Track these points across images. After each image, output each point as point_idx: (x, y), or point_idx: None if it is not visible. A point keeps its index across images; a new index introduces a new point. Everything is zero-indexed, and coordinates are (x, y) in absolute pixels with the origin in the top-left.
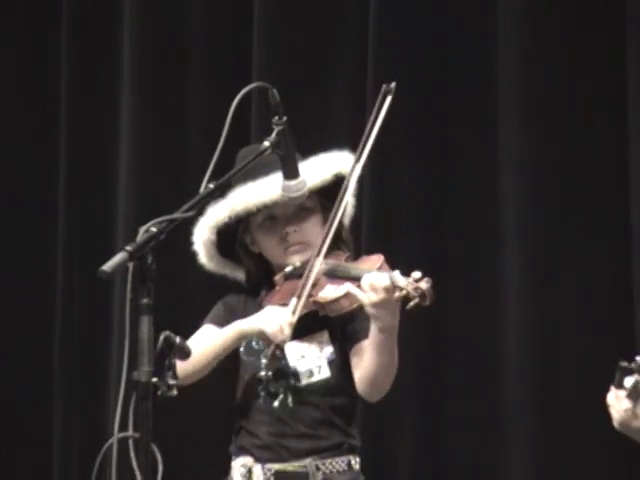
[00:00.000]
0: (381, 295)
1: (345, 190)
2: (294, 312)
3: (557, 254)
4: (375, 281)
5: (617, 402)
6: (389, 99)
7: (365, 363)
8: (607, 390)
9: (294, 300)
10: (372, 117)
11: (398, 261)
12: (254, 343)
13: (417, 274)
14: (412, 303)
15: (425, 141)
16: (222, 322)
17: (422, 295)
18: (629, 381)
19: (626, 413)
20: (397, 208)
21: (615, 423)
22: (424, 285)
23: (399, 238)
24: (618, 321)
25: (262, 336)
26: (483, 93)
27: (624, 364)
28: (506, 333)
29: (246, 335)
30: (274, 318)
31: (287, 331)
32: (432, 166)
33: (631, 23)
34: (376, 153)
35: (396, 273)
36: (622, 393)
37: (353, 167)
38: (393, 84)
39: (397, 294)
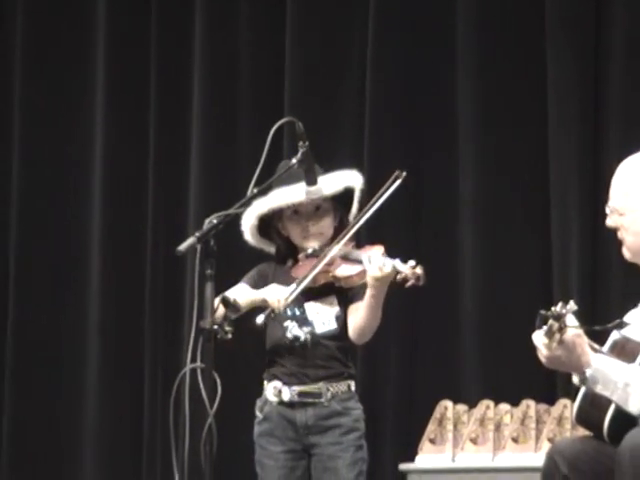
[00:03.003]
0: (383, 272)
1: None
2: (292, 292)
3: (500, 231)
4: (381, 262)
5: (538, 339)
6: (398, 182)
7: (357, 318)
8: (534, 329)
9: (294, 285)
10: (380, 193)
11: (390, 242)
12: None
13: (412, 262)
14: (409, 283)
15: (404, 148)
16: (252, 283)
17: (417, 278)
18: (544, 325)
19: (544, 346)
20: (385, 211)
21: (538, 354)
22: (419, 271)
23: (384, 226)
24: (542, 281)
25: (265, 303)
26: (447, 109)
27: (543, 312)
28: (463, 290)
29: (260, 299)
30: (275, 293)
31: (282, 303)
32: (408, 169)
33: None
34: (370, 161)
35: (398, 261)
36: (541, 332)
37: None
38: (404, 173)
39: (398, 276)
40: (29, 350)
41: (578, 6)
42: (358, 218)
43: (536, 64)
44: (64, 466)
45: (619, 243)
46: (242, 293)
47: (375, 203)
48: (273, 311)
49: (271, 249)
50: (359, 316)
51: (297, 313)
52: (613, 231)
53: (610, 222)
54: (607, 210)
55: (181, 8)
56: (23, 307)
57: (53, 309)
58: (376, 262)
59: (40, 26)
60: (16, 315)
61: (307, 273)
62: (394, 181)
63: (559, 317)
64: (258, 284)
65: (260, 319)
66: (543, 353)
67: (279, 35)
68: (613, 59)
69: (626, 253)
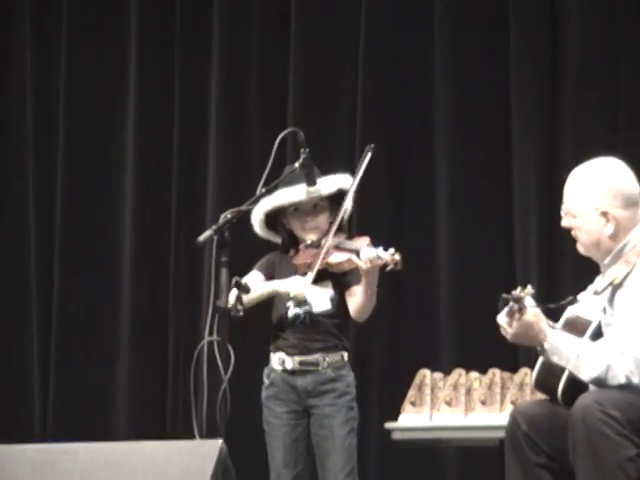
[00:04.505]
0: (371, 262)
1: (344, 202)
2: (309, 281)
3: (470, 226)
4: (367, 254)
5: (501, 319)
6: (369, 155)
7: (356, 302)
8: (498, 311)
9: (310, 274)
10: (358, 167)
11: (374, 235)
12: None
13: (392, 250)
14: (389, 268)
15: (390, 154)
16: (263, 271)
17: (396, 263)
18: (506, 306)
19: (505, 324)
20: (372, 203)
21: (502, 331)
22: (397, 257)
23: (374, 221)
24: (505, 268)
25: (287, 295)
26: (426, 123)
27: (504, 295)
28: (439, 276)
29: (278, 292)
30: (297, 283)
31: (304, 292)
32: (393, 175)
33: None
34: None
35: (380, 249)
36: (504, 313)
37: (349, 190)
38: (372, 145)
39: (380, 262)
40: (71, 323)
41: (538, 32)
42: (334, 225)
43: (502, 87)
44: (101, 421)
45: (573, 240)
46: (258, 283)
47: (357, 176)
48: (300, 301)
49: (277, 240)
50: (357, 300)
51: None
52: (567, 230)
53: (565, 223)
54: (562, 212)
55: (201, 35)
56: (66, 288)
57: (90, 288)
58: (364, 255)
59: (80, 56)
60: (60, 293)
61: (313, 261)
62: (366, 154)
63: (519, 300)
64: (267, 270)
65: (293, 312)
66: (506, 330)
67: (284, 59)
68: (567, 82)
69: (580, 248)
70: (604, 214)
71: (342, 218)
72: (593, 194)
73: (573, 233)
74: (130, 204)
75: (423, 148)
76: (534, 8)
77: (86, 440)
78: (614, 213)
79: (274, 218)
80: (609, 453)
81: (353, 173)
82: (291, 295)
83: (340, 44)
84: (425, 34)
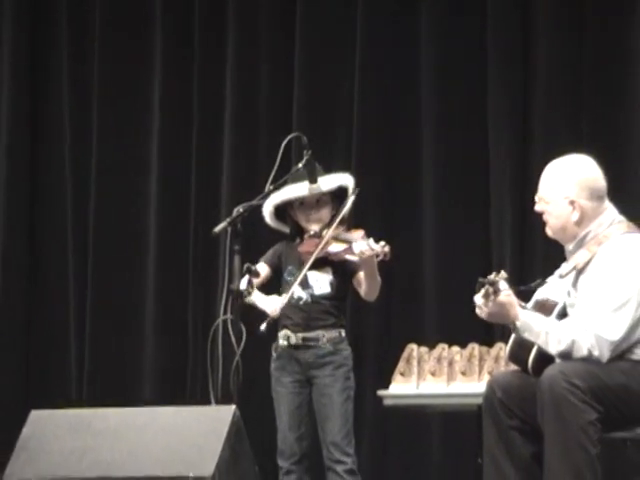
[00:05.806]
0: (363, 253)
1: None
2: (283, 301)
3: (452, 216)
4: (360, 246)
5: (478, 300)
6: (353, 197)
7: (364, 288)
8: (476, 293)
9: (284, 295)
10: (344, 204)
11: (370, 229)
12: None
13: (382, 242)
14: (379, 258)
15: (382, 155)
16: (270, 262)
17: (385, 255)
18: (482, 289)
19: (482, 305)
20: (367, 202)
21: (479, 311)
22: (387, 249)
23: (369, 216)
24: (484, 254)
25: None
26: (413, 131)
27: (481, 279)
28: (425, 262)
29: (260, 307)
30: (273, 303)
31: (277, 312)
32: (386, 170)
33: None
34: (356, 165)
35: (371, 241)
36: (480, 295)
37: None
38: (357, 189)
39: (372, 253)
40: (104, 303)
41: (512, 44)
42: (335, 219)
43: (480, 92)
44: (129, 389)
45: (543, 224)
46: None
47: (344, 207)
48: (273, 319)
49: (285, 229)
50: (364, 286)
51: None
52: (539, 215)
53: (538, 208)
54: (536, 199)
55: (217, 50)
56: (99, 273)
57: (120, 273)
58: (357, 248)
59: (112, 69)
60: (93, 277)
61: (315, 249)
62: (353, 193)
63: (493, 283)
64: (273, 261)
65: (263, 327)
66: (483, 310)
67: (290, 71)
68: (537, 94)
69: (548, 231)
70: (572, 202)
71: (343, 214)
72: (565, 184)
73: (544, 217)
74: (154, 200)
75: (411, 149)
76: (509, 23)
77: (117, 405)
78: (580, 202)
79: (282, 210)
80: (573, 417)
81: (351, 171)
82: (267, 311)
83: (338, 60)
84: (413, 49)
